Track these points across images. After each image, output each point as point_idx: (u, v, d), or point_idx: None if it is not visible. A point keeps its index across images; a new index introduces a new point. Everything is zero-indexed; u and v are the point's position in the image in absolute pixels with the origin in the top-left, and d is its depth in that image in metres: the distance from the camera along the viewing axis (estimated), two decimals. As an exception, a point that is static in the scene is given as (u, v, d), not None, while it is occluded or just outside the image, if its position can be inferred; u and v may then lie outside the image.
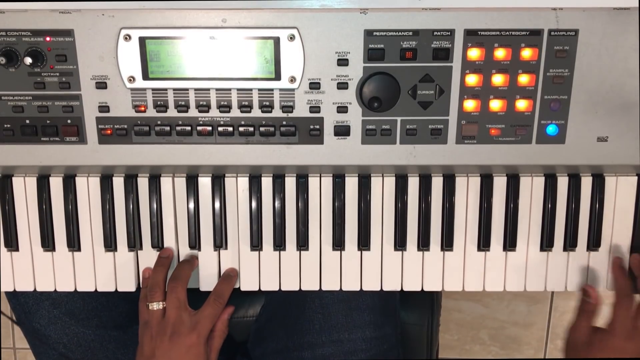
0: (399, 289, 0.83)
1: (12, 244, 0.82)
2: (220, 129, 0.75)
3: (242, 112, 0.74)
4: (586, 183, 0.81)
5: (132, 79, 0.72)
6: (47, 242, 0.81)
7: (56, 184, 0.80)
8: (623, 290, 0.79)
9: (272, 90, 0.73)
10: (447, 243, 0.81)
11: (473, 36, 0.71)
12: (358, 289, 0.83)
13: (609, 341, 0.76)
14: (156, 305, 0.78)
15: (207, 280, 0.83)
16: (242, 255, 0.83)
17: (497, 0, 0.70)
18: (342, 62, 0.72)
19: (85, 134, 0.75)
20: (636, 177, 0.81)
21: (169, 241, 0.82)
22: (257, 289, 0.84)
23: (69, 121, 0.74)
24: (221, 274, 0.83)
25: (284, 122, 0.74)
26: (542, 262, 0.83)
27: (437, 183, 0.80)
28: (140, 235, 0.82)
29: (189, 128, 0.74)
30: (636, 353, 0.75)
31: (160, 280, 0.79)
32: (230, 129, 0.75)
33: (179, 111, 0.74)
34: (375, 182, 0.80)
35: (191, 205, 0.81)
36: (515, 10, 0.70)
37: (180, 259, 0.83)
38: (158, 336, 0.77)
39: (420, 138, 0.75)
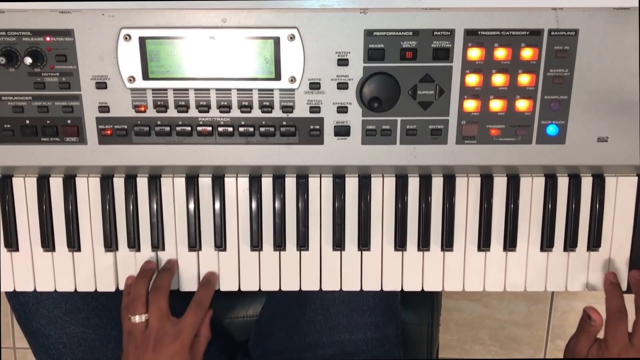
0: (399, 289, 0.83)
1: (12, 244, 0.82)
2: (220, 129, 0.74)
3: (242, 112, 0.74)
4: (586, 183, 0.80)
5: (132, 79, 0.72)
6: (47, 242, 0.81)
7: (56, 184, 0.80)
8: (615, 306, 0.78)
9: (272, 90, 0.73)
10: (447, 243, 0.81)
11: (473, 36, 0.71)
12: (358, 289, 0.83)
13: (603, 356, 0.76)
14: (138, 318, 0.77)
15: (207, 280, 0.84)
16: (242, 255, 0.83)
17: (497, 0, 0.70)
18: (342, 62, 0.72)
19: (85, 134, 0.75)
20: (636, 178, 0.81)
21: (169, 241, 0.82)
22: (257, 289, 0.84)
23: (69, 121, 0.74)
24: (220, 273, 0.83)
25: (284, 122, 0.74)
26: (542, 263, 0.83)
27: (437, 183, 0.80)
28: (140, 235, 0.82)
29: (189, 128, 0.74)
30: None
31: (142, 292, 0.78)
32: (230, 129, 0.75)
33: (179, 111, 0.74)
34: (376, 182, 0.80)
35: (191, 205, 0.80)
36: (515, 10, 0.70)
37: (180, 260, 0.83)
38: (142, 346, 0.76)
39: (420, 138, 0.75)
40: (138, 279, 0.80)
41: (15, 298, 0.89)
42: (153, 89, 0.73)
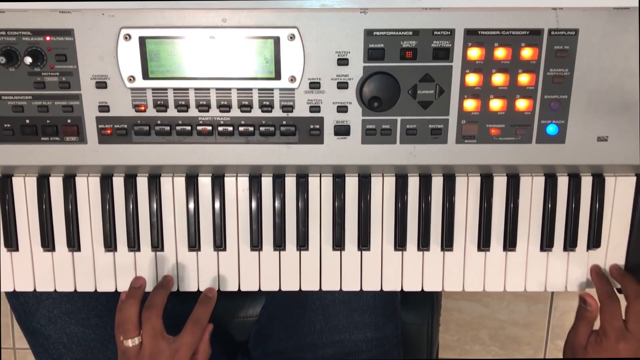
0: (399, 289, 0.83)
1: (12, 244, 0.82)
2: (220, 128, 0.75)
3: (242, 111, 0.74)
4: (586, 183, 0.80)
5: (132, 78, 0.72)
6: (47, 242, 0.81)
7: (56, 184, 0.80)
8: (606, 291, 0.79)
9: (272, 90, 0.73)
10: (447, 243, 0.81)
11: (473, 36, 0.71)
12: (358, 289, 0.83)
13: (602, 344, 0.77)
14: (131, 342, 0.75)
15: (206, 281, 0.83)
16: (242, 255, 0.83)
17: (497, 0, 0.70)
18: (342, 61, 0.72)
19: (85, 134, 0.75)
20: (635, 177, 0.81)
21: (168, 241, 0.82)
22: (257, 289, 0.84)
23: (69, 121, 0.74)
24: (220, 273, 0.83)
25: (284, 122, 0.74)
26: (542, 262, 0.83)
27: (437, 183, 0.80)
28: (140, 235, 0.82)
29: (189, 128, 0.74)
30: (629, 353, 0.76)
31: (133, 314, 0.76)
32: (230, 128, 0.75)
33: (179, 111, 0.74)
34: (375, 182, 0.80)
35: (191, 205, 0.80)
36: (515, 10, 0.70)
37: (179, 259, 0.83)
38: None
39: (420, 138, 0.75)
40: (127, 300, 0.78)
41: (15, 298, 0.89)
42: (153, 89, 0.73)
